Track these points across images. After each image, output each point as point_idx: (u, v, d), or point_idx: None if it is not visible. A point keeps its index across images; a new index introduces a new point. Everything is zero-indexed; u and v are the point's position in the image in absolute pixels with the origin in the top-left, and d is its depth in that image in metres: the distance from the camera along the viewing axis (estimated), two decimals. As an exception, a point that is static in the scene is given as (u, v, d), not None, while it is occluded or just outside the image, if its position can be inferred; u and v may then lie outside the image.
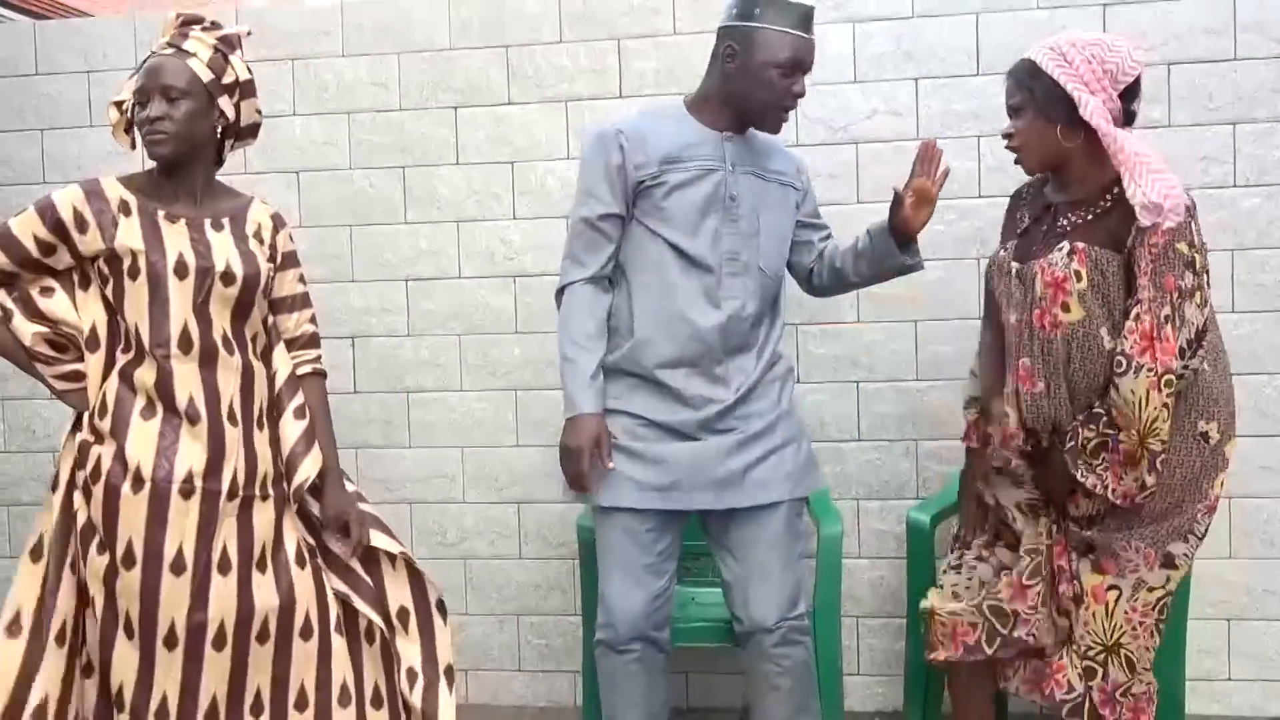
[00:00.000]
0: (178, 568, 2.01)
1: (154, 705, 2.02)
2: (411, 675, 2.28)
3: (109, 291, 2.08)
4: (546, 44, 3.16)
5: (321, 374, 2.30)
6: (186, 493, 2.04)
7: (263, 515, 2.12)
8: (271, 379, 2.20)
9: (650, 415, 2.31)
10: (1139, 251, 2.07)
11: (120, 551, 2.01)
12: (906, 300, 3.01)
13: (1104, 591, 2.15)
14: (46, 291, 2.10)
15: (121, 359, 2.08)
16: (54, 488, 2.09)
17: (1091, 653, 2.16)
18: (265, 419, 2.17)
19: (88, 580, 2.03)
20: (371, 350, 3.27)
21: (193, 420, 2.06)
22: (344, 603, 2.23)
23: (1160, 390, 2.02)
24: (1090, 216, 2.15)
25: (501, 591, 3.27)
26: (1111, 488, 2.09)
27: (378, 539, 2.26)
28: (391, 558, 2.29)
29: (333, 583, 2.21)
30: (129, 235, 2.06)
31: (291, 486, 2.17)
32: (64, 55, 3.34)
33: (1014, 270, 2.23)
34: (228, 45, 2.15)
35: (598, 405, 2.29)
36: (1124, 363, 2.05)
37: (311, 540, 2.23)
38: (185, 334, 2.07)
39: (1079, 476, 2.11)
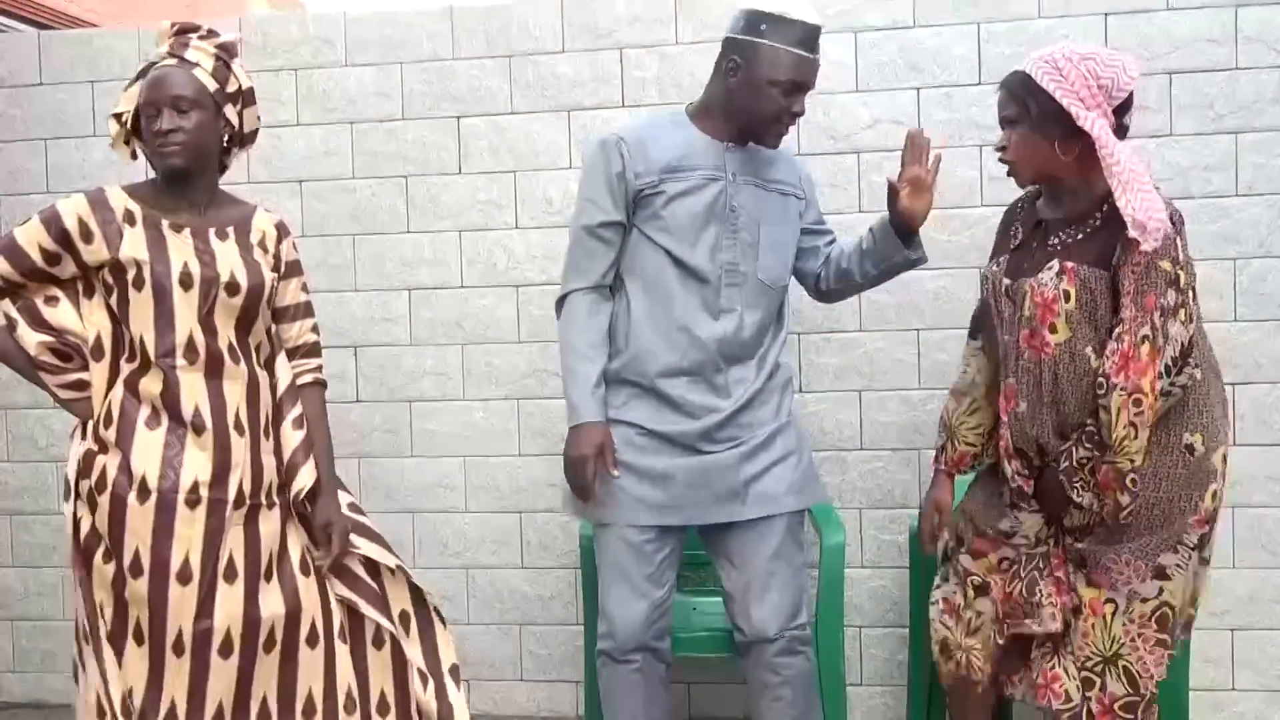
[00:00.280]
0: (184, 577, 2.02)
1: (163, 711, 2.02)
2: (423, 677, 2.28)
3: (114, 301, 2.09)
4: (549, 54, 3.17)
5: (322, 383, 2.30)
6: (192, 502, 2.04)
7: (269, 524, 2.13)
8: (274, 388, 2.21)
9: (650, 425, 2.30)
10: (1123, 270, 2.07)
11: (127, 561, 2.01)
12: (909, 308, 3.01)
13: (1101, 605, 2.15)
14: (51, 301, 2.11)
15: (126, 368, 2.08)
16: (67, 497, 2.09)
17: (1090, 664, 2.15)
18: (270, 427, 2.17)
19: (94, 587, 2.03)
20: (374, 359, 3.28)
21: (198, 430, 2.07)
22: (348, 609, 2.22)
23: (1128, 409, 2.02)
24: (1080, 235, 2.15)
25: (504, 601, 3.26)
26: (1105, 506, 2.10)
27: (371, 551, 2.24)
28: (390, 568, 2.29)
29: (337, 589, 2.21)
30: (134, 245, 2.07)
31: (289, 495, 2.17)
32: (69, 66, 3.35)
33: (1005, 287, 2.23)
34: (227, 53, 2.15)
35: (601, 414, 2.29)
36: (1104, 383, 2.06)
37: (313, 547, 2.23)
38: (191, 343, 2.07)
39: (1074, 497, 2.12)
